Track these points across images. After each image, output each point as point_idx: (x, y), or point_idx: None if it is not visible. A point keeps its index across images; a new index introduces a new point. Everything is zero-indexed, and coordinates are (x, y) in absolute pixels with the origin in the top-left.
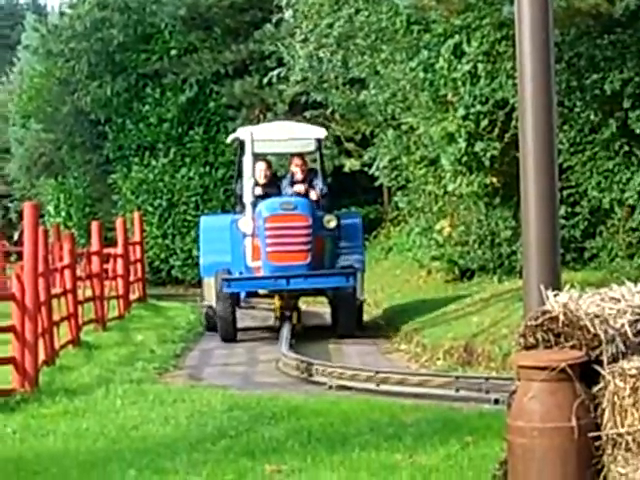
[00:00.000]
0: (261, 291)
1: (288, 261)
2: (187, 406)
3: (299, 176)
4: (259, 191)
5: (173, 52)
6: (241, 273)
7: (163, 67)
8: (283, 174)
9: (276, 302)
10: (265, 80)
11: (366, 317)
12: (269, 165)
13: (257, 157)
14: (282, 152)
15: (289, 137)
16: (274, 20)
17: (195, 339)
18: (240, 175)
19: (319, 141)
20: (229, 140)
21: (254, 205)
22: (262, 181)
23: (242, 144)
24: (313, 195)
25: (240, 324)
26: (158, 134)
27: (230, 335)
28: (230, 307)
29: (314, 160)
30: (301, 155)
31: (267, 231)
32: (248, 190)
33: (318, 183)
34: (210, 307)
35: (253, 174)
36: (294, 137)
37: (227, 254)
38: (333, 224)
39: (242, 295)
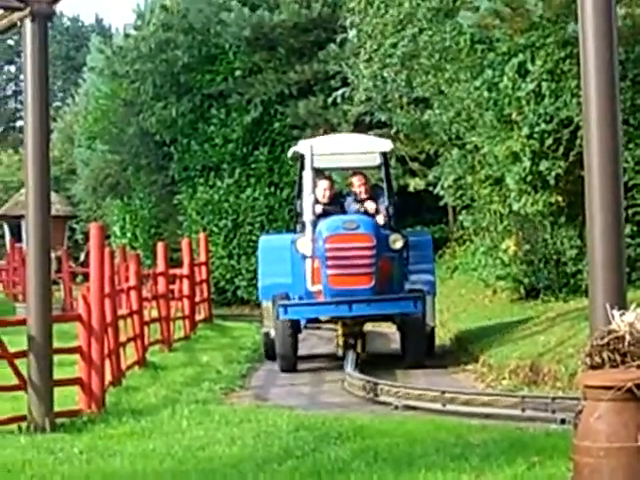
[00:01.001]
0: (323, 317)
1: (350, 285)
2: (253, 426)
3: (363, 195)
4: (320, 209)
5: (238, 73)
6: (301, 298)
7: (228, 88)
8: (347, 192)
9: (339, 329)
10: (329, 100)
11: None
12: (332, 184)
13: (318, 172)
14: (345, 166)
15: (352, 151)
16: (338, 40)
17: (261, 359)
18: (300, 192)
19: (385, 155)
20: (290, 154)
21: (314, 224)
22: (324, 200)
23: (302, 158)
24: (380, 217)
25: (304, 345)
26: (223, 155)
27: (289, 366)
28: (289, 335)
29: (380, 179)
30: (361, 173)
31: (327, 252)
32: (308, 208)
33: (384, 200)
34: (268, 334)
35: (313, 190)
36: (357, 151)
37: (287, 276)
38: (399, 244)
39: (302, 321)
